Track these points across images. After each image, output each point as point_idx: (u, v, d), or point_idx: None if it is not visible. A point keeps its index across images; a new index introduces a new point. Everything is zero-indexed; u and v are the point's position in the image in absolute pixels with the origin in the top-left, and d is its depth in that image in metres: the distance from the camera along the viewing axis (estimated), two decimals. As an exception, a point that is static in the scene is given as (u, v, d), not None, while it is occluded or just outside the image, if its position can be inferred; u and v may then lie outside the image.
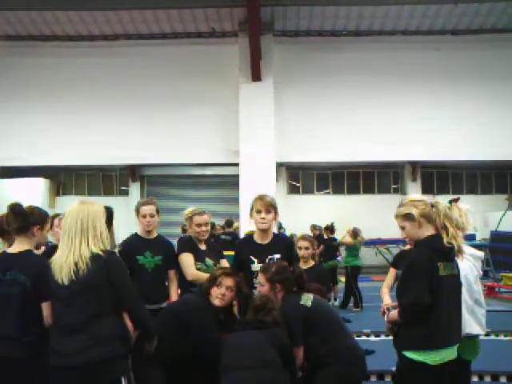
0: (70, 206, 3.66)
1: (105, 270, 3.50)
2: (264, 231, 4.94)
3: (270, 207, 4.90)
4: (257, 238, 5.00)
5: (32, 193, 24.78)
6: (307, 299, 4.45)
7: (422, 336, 3.74)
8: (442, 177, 26.05)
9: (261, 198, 4.98)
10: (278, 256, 4.87)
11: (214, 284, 4.45)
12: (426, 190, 25.16)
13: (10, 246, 4.40)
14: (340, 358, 4.26)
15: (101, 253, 3.53)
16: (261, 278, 4.57)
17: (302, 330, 4.31)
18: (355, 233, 14.10)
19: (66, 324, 3.46)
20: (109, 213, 4.66)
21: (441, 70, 12.70)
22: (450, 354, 3.80)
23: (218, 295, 4.46)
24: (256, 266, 4.85)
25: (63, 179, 28.79)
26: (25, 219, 4.12)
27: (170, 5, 11.54)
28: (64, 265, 3.50)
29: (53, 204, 22.15)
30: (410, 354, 3.77)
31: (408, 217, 3.89)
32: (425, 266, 3.75)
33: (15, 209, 4.14)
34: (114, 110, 12.94)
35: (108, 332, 3.46)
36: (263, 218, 4.87)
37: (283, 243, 5.10)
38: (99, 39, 12.97)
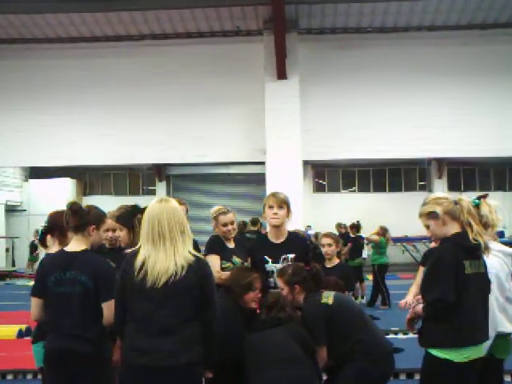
0: (155, 204, 3.64)
1: (202, 275, 3.52)
2: (277, 228, 4.89)
3: (283, 203, 4.86)
4: (271, 237, 4.96)
5: (59, 193, 25.09)
6: (328, 297, 4.44)
7: (447, 334, 3.72)
8: (469, 173, 25.87)
9: (273, 194, 4.97)
10: (292, 256, 4.81)
11: (250, 290, 4.49)
12: (453, 187, 25.02)
13: (60, 243, 4.46)
14: (364, 354, 4.24)
15: (195, 257, 3.56)
16: (279, 283, 4.57)
17: (325, 328, 4.31)
18: (383, 231, 14.07)
19: (157, 325, 3.45)
20: None
21: (468, 65, 12.56)
22: (476, 352, 3.77)
23: (255, 299, 4.51)
24: (270, 266, 4.82)
25: (89, 179, 29.14)
26: (82, 218, 4.16)
27: (195, 4, 11.56)
28: (166, 267, 3.47)
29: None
30: (435, 352, 3.74)
31: (432, 215, 3.87)
32: (451, 264, 3.72)
33: (73, 207, 4.17)
34: (139, 110, 13.02)
35: (196, 336, 3.49)
36: (275, 214, 4.83)
37: (298, 242, 5.05)
38: (125, 39, 13.05)
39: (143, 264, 3.48)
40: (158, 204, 3.62)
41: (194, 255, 3.53)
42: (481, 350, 3.82)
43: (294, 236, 5.10)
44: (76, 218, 4.11)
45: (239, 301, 4.48)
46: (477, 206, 3.90)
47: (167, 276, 3.44)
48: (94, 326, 4.00)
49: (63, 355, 3.94)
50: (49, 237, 4.65)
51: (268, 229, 5.06)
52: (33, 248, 22.79)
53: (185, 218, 3.67)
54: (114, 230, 4.78)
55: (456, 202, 3.85)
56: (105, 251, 4.63)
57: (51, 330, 4.07)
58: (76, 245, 4.14)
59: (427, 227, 3.93)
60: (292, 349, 4.10)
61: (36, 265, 21.85)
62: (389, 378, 4.49)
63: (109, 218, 4.57)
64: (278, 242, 4.90)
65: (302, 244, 5.07)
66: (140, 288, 3.47)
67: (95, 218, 4.23)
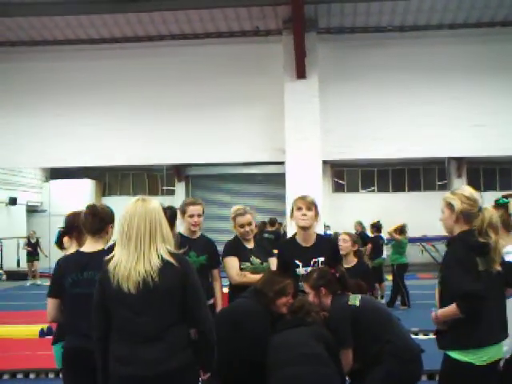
0: (129, 204, 3.48)
1: (179, 276, 3.36)
2: (306, 230, 4.92)
3: (311, 205, 4.91)
4: (300, 240, 4.98)
5: (79, 193, 25.31)
6: (355, 299, 4.45)
7: (466, 334, 3.70)
8: (489, 173, 25.68)
9: (301, 197, 5.03)
10: (322, 259, 4.84)
11: (283, 295, 4.52)
12: (472, 186, 24.78)
13: (78, 245, 4.49)
14: (392, 356, 4.24)
15: (171, 258, 3.39)
16: (306, 288, 4.60)
17: (352, 330, 4.31)
18: (402, 229, 14.04)
19: (139, 333, 3.32)
20: (172, 213, 4.73)
21: (489, 63, 12.45)
22: (496, 352, 3.75)
23: (287, 303, 4.54)
24: (301, 270, 4.85)
25: (109, 180, 29.31)
26: (102, 220, 4.19)
27: (214, 4, 11.56)
28: (132, 272, 3.32)
29: (99, 204, 22.50)
30: (455, 355, 3.72)
31: (450, 206, 3.88)
32: (465, 259, 3.72)
33: (93, 210, 4.20)
34: (158, 111, 13.07)
35: (182, 340, 3.38)
36: (304, 215, 4.88)
37: (327, 245, 5.09)
38: (144, 40, 13.09)
39: (115, 269, 3.36)
40: (131, 204, 3.49)
41: (163, 258, 3.37)
42: (500, 351, 3.80)
43: (322, 238, 5.14)
44: (96, 221, 4.14)
45: (271, 305, 4.50)
46: (504, 205, 3.89)
47: (134, 281, 3.31)
48: None
49: (80, 354, 3.98)
50: (66, 238, 4.69)
51: (296, 230, 5.08)
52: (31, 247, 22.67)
53: (162, 217, 3.50)
54: None
55: (480, 209, 3.83)
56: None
57: (69, 330, 4.09)
58: (92, 245, 4.18)
59: (442, 212, 3.96)
60: (315, 348, 4.11)
61: (35, 264, 22.09)
62: (417, 380, 4.47)
63: None
64: (308, 245, 4.93)
65: (331, 246, 5.09)
66: (117, 294, 3.35)
67: (111, 216, 4.28)
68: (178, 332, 3.37)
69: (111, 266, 3.41)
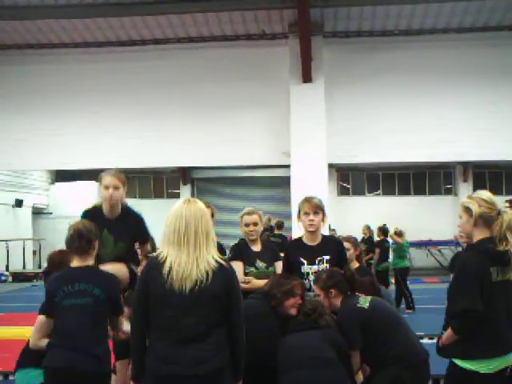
0: (181, 205, 3.52)
1: (227, 280, 3.43)
2: (312, 233, 4.95)
3: (318, 209, 4.93)
4: (306, 240, 5.02)
5: (85, 196, 25.31)
6: (365, 301, 4.44)
7: (474, 344, 3.65)
8: (496, 177, 25.58)
9: (308, 200, 5.02)
10: (327, 257, 4.88)
11: (292, 296, 4.51)
12: (478, 190, 24.71)
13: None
14: (399, 360, 4.22)
15: (223, 262, 3.46)
16: (315, 289, 4.61)
17: (360, 332, 4.29)
18: (400, 233, 14.09)
19: (185, 333, 3.35)
20: None
21: (496, 67, 12.43)
22: (505, 361, 3.70)
23: (295, 305, 4.53)
24: (306, 268, 4.88)
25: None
26: (89, 241, 4.20)
27: (220, 8, 11.58)
28: (193, 273, 3.36)
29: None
30: (461, 363, 3.67)
31: (467, 210, 3.84)
32: (475, 272, 3.66)
33: (80, 234, 4.20)
34: (163, 113, 13.09)
35: (222, 341, 3.41)
36: (312, 220, 4.90)
37: (333, 244, 5.12)
38: (150, 43, 13.12)
39: (170, 270, 3.39)
40: (184, 205, 3.51)
41: (217, 261, 3.44)
42: (509, 359, 3.75)
43: (328, 238, 5.17)
44: (83, 243, 4.16)
45: (279, 306, 4.49)
46: None
47: (191, 282, 3.35)
48: (103, 340, 4.02)
49: (69, 373, 3.88)
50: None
51: (303, 232, 5.10)
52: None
53: (210, 221, 3.59)
54: None
55: (499, 212, 3.79)
56: None
57: (58, 343, 4.02)
58: (82, 262, 4.18)
59: (460, 217, 3.92)
60: (327, 352, 4.10)
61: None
62: None
63: None
64: (314, 244, 4.96)
65: (336, 245, 5.11)
66: (167, 295, 3.38)
67: (96, 233, 4.27)
68: (220, 334, 3.42)
69: (166, 265, 3.40)
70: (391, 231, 14.29)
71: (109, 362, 4.07)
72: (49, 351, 4.02)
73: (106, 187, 4.78)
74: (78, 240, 4.12)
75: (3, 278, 23.87)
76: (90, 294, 3.98)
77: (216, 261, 3.43)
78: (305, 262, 4.86)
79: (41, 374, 4.11)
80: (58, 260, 4.66)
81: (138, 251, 5.11)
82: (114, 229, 4.75)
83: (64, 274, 4.15)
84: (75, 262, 4.16)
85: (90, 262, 4.18)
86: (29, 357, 4.41)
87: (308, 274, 4.81)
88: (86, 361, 3.88)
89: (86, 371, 3.86)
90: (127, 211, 4.94)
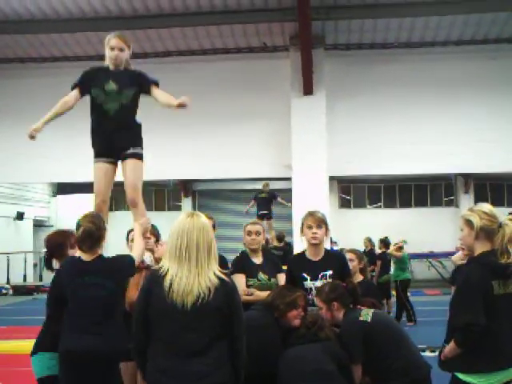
0: (184, 219, 3.51)
1: (228, 294, 3.44)
2: (316, 247, 4.96)
3: (321, 223, 4.94)
4: (309, 255, 5.03)
5: (86, 208, 25.30)
6: (367, 314, 4.42)
7: (476, 358, 3.63)
8: (497, 189, 25.56)
9: (311, 213, 5.04)
10: (330, 272, 4.87)
11: (294, 308, 4.51)
12: (480, 202, 24.67)
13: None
14: (400, 374, 4.20)
15: (224, 276, 3.47)
16: (317, 302, 4.61)
17: (363, 345, 4.28)
18: (399, 246, 14.09)
19: (186, 347, 3.35)
20: None
21: (496, 79, 12.47)
22: (507, 375, 3.67)
23: (298, 316, 4.53)
24: (309, 283, 4.87)
25: (115, 195, 29.25)
26: (99, 238, 4.25)
27: (222, 21, 11.64)
28: (194, 288, 3.36)
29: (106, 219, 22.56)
30: (464, 377, 3.65)
31: (469, 223, 3.84)
32: (477, 285, 3.65)
33: (90, 233, 4.26)
34: (165, 126, 13.07)
35: (223, 355, 3.41)
36: (315, 233, 4.91)
37: (336, 259, 5.12)
38: (151, 56, 13.16)
39: (171, 284, 3.39)
40: (188, 219, 3.50)
41: (218, 276, 3.43)
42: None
43: (331, 253, 5.17)
44: (94, 240, 4.20)
45: (282, 318, 4.49)
46: None
47: (193, 298, 3.35)
48: (114, 326, 4.07)
49: (84, 357, 3.94)
50: (54, 260, 4.74)
51: (306, 245, 5.11)
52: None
53: (213, 235, 3.58)
54: None
55: (500, 225, 3.78)
56: None
57: (70, 329, 4.07)
58: (91, 255, 4.23)
59: (461, 230, 3.91)
60: (327, 364, 4.09)
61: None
62: None
63: None
64: (316, 259, 4.96)
65: (339, 260, 5.11)
66: (168, 309, 3.38)
67: (104, 226, 4.34)
68: (221, 347, 3.42)
69: (167, 279, 3.40)
70: (390, 249, 14.23)
71: (122, 346, 4.08)
72: (63, 335, 4.09)
73: (112, 48, 5.18)
74: (89, 240, 4.18)
75: (4, 291, 23.81)
76: (101, 286, 4.06)
77: (217, 276, 3.43)
78: (308, 277, 4.86)
79: (56, 358, 4.18)
80: (57, 242, 4.71)
81: (152, 251, 5.22)
82: (118, 77, 5.20)
83: (75, 264, 4.21)
84: (85, 254, 4.21)
85: (99, 252, 4.27)
86: (45, 341, 4.42)
87: (311, 289, 4.81)
88: (100, 344, 3.95)
89: (100, 354, 3.94)
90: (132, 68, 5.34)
